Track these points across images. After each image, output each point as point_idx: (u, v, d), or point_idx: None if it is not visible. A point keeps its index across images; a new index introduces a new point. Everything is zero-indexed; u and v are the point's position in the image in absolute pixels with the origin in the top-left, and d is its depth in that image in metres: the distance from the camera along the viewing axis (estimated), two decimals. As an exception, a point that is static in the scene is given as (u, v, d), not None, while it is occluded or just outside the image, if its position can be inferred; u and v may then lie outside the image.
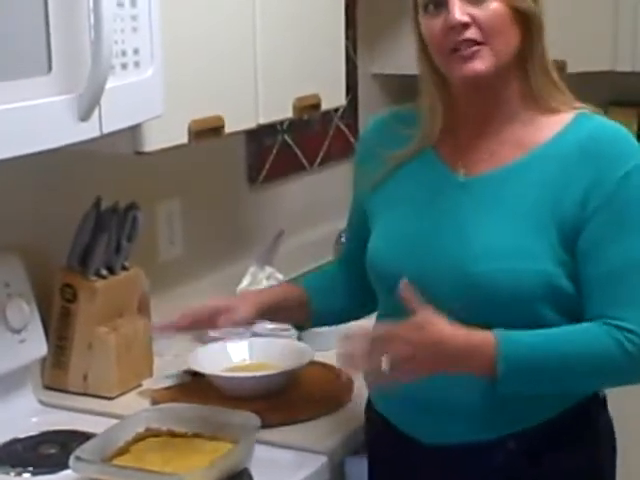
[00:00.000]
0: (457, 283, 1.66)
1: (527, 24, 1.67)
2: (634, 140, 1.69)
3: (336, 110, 3.01)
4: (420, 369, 1.60)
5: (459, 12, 1.63)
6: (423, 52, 1.73)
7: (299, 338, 2.25)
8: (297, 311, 1.93)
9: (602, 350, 1.61)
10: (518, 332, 1.61)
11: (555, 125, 1.70)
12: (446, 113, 1.75)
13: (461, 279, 1.66)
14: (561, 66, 2.99)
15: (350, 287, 1.95)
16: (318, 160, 3.07)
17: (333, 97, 2.49)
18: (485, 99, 1.72)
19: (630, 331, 1.60)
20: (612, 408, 1.82)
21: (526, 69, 1.70)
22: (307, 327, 1.98)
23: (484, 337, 1.60)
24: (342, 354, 1.63)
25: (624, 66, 3.10)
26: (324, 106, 2.44)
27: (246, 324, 1.90)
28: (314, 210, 3.00)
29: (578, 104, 1.73)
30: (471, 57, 1.64)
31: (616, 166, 1.64)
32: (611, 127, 1.70)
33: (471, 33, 1.64)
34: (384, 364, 1.57)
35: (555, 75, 1.72)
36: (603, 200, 1.63)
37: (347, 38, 2.60)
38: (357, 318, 1.97)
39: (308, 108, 2.39)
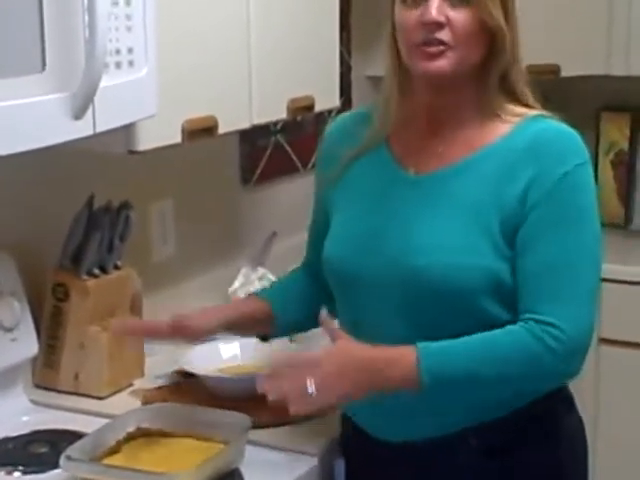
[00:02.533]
0: (399, 278, 1.68)
1: (493, 38, 1.68)
2: (580, 142, 1.70)
3: (330, 112, 3.01)
4: (343, 389, 1.62)
5: (437, 11, 1.65)
6: (392, 40, 1.75)
7: (290, 340, 2.25)
8: (261, 324, 1.94)
9: (524, 351, 1.61)
10: (438, 342, 1.62)
11: (505, 127, 1.72)
12: (401, 107, 1.77)
13: (403, 273, 1.68)
14: (555, 70, 3.02)
15: (314, 293, 1.95)
16: (311, 161, 3.07)
17: (327, 99, 2.50)
18: (440, 101, 1.74)
19: (552, 325, 1.61)
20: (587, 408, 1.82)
21: (485, 80, 1.71)
22: (272, 338, 1.99)
23: (404, 350, 1.63)
24: (269, 386, 1.63)
25: (618, 70, 3.11)
26: (318, 107, 2.44)
27: (206, 336, 1.91)
28: (307, 211, 2.98)
29: (536, 110, 1.74)
30: (436, 55, 1.67)
31: (557, 165, 1.66)
32: (557, 128, 1.72)
33: (442, 34, 1.66)
34: (309, 388, 1.60)
35: (519, 86, 1.72)
36: (541, 197, 1.65)
37: (341, 40, 2.60)
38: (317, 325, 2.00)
39: (302, 109, 2.39)
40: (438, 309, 1.66)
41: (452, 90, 1.72)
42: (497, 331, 1.64)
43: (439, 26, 1.65)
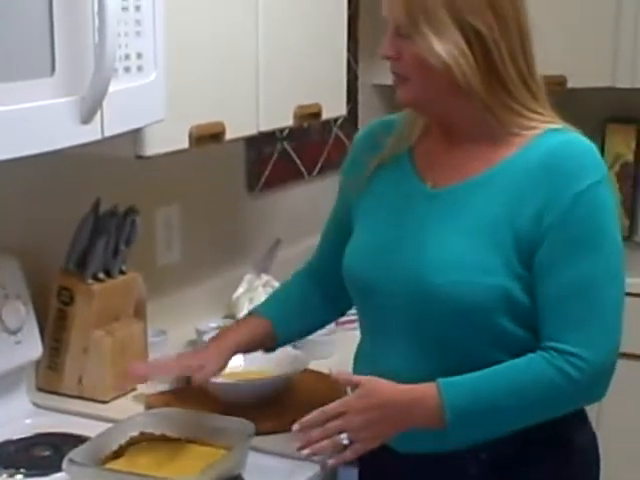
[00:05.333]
0: (413, 294, 1.67)
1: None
2: (596, 157, 1.66)
3: (336, 120, 3.02)
4: (377, 434, 1.65)
5: (387, 45, 1.67)
6: None
7: (294, 346, 2.25)
8: (264, 342, 1.94)
9: (546, 382, 1.61)
10: (460, 377, 1.62)
11: (522, 140, 1.68)
12: (425, 121, 1.78)
13: (417, 290, 1.67)
14: (561, 82, 3.02)
15: (316, 302, 1.97)
16: (317, 169, 3.08)
17: (334, 107, 2.50)
18: (445, 120, 1.73)
19: (572, 354, 1.60)
20: (600, 425, 1.82)
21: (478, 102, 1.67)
22: (275, 349, 1.99)
23: (426, 388, 1.63)
24: (304, 447, 1.67)
25: (624, 82, 3.11)
26: (325, 115, 2.45)
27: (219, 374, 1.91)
28: (312, 218, 2.99)
29: (555, 121, 1.70)
30: (398, 85, 1.69)
31: (571, 183, 1.61)
32: (574, 142, 1.67)
33: (395, 67, 1.68)
34: (344, 440, 1.64)
35: (527, 97, 1.67)
36: (557, 217, 1.61)
37: (349, 49, 2.61)
38: (324, 326, 2.05)
39: (309, 117, 2.39)
40: (451, 327, 1.65)
41: (441, 112, 1.71)
42: (518, 362, 1.63)
43: (393, 59, 1.67)
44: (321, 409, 1.66)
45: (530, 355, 1.63)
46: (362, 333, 1.85)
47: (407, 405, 1.64)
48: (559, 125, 1.69)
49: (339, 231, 1.89)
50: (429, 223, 1.70)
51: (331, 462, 1.68)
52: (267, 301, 2.02)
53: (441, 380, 1.62)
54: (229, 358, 1.88)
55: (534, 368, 1.62)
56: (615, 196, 1.68)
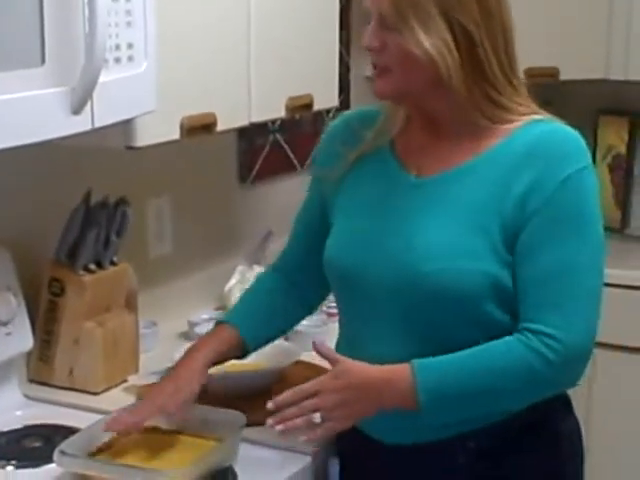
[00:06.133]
0: (400, 282, 1.68)
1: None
2: (582, 144, 1.68)
3: (328, 111, 3.01)
4: (351, 413, 1.66)
5: (371, 37, 1.66)
6: None
7: (286, 338, 2.24)
8: (232, 354, 1.91)
9: (521, 363, 1.61)
10: (433, 359, 1.63)
11: (507, 130, 1.69)
12: (406, 112, 1.77)
13: (403, 278, 1.67)
14: (554, 73, 3.02)
15: (286, 302, 1.95)
16: (309, 160, 3.07)
17: (326, 98, 2.50)
18: (419, 113, 1.73)
19: (548, 335, 1.60)
20: (582, 412, 1.83)
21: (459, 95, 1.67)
22: (246, 357, 1.97)
23: (399, 369, 1.64)
24: (278, 423, 1.66)
25: (617, 74, 3.11)
26: (316, 106, 2.44)
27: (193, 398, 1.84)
28: (304, 210, 2.99)
29: (537, 112, 1.71)
30: (378, 76, 1.69)
31: (558, 169, 1.63)
32: (559, 130, 1.69)
33: (378, 58, 1.67)
34: (316, 418, 1.65)
35: (508, 90, 1.68)
36: (541, 202, 1.63)
37: (340, 40, 2.60)
38: (293, 327, 2.05)
39: (300, 108, 2.39)
40: (438, 315, 1.65)
41: (421, 104, 1.71)
42: (492, 343, 1.63)
43: (377, 50, 1.66)
44: (296, 388, 1.67)
45: (506, 337, 1.63)
46: (343, 323, 1.84)
47: (380, 386, 1.64)
48: (543, 116, 1.71)
49: (310, 223, 1.89)
50: (414, 212, 1.70)
51: (303, 439, 1.67)
52: (232, 310, 1.98)
53: (415, 361, 1.63)
54: (203, 379, 1.82)
55: (509, 349, 1.62)
56: (598, 184, 1.69)
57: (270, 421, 1.67)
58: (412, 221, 1.70)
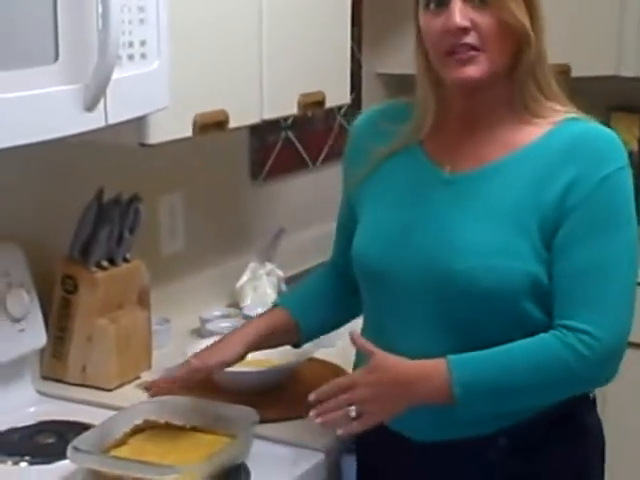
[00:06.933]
0: (430, 279, 1.67)
1: (519, 37, 1.66)
2: (619, 144, 1.69)
3: (340, 108, 3.02)
4: (385, 408, 1.67)
5: (460, 16, 1.61)
6: (420, 47, 1.73)
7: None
8: (286, 337, 1.94)
9: (556, 360, 1.61)
10: (469, 354, 1.63)
11: (543, 128, 1.70)
12: (438, 110, 1.75)
13: (434, 275, 1.67)
14: (565, 70, 3.01)
15: (338, 294, 1.96)
16: (321, 157, 3.08)
17: (338, 95, 2.50)
18: (474, 103, 1.72)
19: (584, 332, 1.61)
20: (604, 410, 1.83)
21: (514, 78, 1.69)
22: (302, 344, 1.98)
23: (435, 364, 1.64)
24: (319, 419, 1.68)
25: (628, 71, 3.11)
26: (328, 104, 2.44)
27: (236, 362, 1.90)
28: (316, 207, 3.00)
29: (572, 111, 1.72)
30: (467, 61, 1.64)
31: (597, 167, 1.64)
32: (598, 129, 1.70)
33: (470, 38, 1.63)
34: (352, 412, 1.65)
35: (548, 84, 1.71)
36: (579, 200, 1.63)
37: (352, 37, 2.60)
38: (347, 322, 2.01)
39: (312, 105, 2.39)
40: (474, 313, 1.65)
41: (484, 91, 1.69)
42: (527, 339, 1.63)
43: (464, 31, 1.62)
44: (333, 381, 1.69)
45: (541, 334, 1.63)
46: (369, 319, 1.83)
47: (415, 381, 1.64)
48: (577, 115, 1.71)
49: (351, 222, 1.87)
50: (447, 208, 1.70)
51: (339, 432, 1.68)
52: (285, 294, 2.02)
53: (451, 357, 1.63)
54: (247, 349, 1.87)
55: (545, 345, 1.62)
56: (633, 184, 1.70)
57: (311, 413, 1.68)
58: (444, 217, 1.69)
